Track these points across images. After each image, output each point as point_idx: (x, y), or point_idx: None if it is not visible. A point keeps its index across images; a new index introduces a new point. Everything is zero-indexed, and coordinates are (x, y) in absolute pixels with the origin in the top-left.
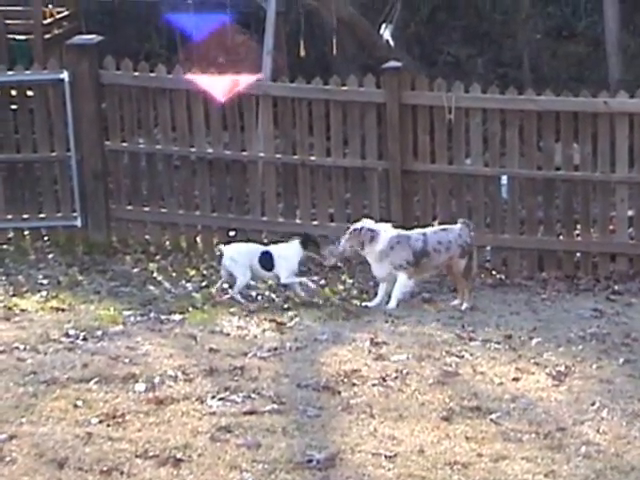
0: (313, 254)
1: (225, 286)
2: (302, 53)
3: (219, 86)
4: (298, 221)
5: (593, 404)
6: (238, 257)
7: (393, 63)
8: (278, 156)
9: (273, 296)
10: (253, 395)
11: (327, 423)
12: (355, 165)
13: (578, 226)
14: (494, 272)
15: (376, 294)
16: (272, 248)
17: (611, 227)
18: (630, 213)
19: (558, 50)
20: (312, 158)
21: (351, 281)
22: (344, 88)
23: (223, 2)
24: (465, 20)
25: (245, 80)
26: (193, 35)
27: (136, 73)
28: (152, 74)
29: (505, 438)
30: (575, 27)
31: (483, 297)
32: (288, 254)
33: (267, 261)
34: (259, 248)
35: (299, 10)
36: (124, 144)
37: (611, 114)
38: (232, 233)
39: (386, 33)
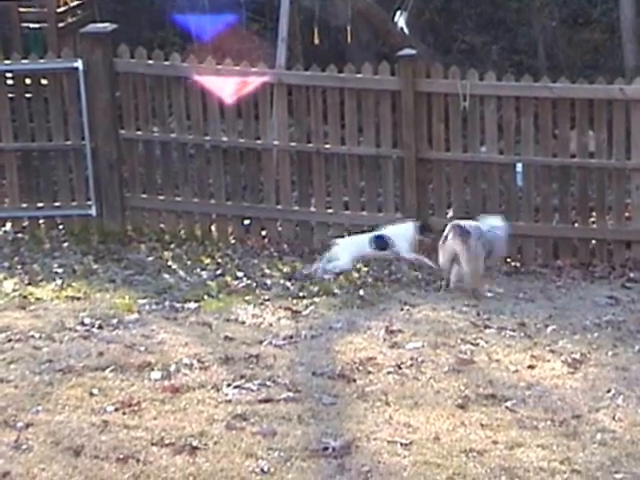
0: (425, 239)
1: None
2: (316, 41)
3: (230, 84)
4: (313, 209)
5: (608, 391)
6: (348, 247)
7: (408, 51)
8: (292, 144)
9: (288, 284)
10: (268, 383)
11: (342, 411)
12: (370, 153)
13: (593, 213)
14: (509, 260)
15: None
16: (386, 230)
17: (626, 214)
18: None
19: (573, 37)
20: (327, 146)
21: (366, 269)
22: (359, 76)
23: None
24: (480, 7)
25: (258, 73)
26: (208, 24)
27: (150, 61)
28: (166, 62)
29: (520, 425)
30: (590, 14)
31: (498, 285)
32: (404, 233)
33: (381, 242)
34: (369, 235)
35: None
36: (139, 133)
37: (627, 101)
38: (247, 222)
39: (400, 21)
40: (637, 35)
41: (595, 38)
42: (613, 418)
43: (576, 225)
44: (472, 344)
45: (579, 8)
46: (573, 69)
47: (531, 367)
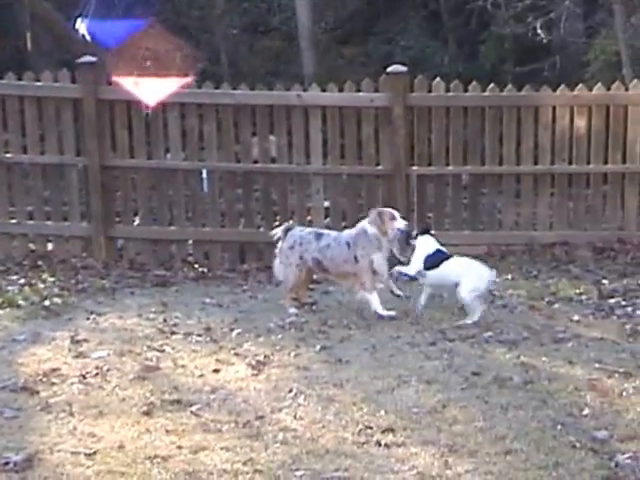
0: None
1: None
2: None
3: None
4: None
5: (290, 391)
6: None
7: (88, 58)
8: None
9: None
10: None
11: (25, 424)
12: (53, 162)
13: (277, 217)
14: (196, 265)
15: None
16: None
17: (308, 217)
18: (326, 204)
19: (255, 45)
20: (8, 155)
21: (52, 279)
22: (38, 84)
23: None
24: (162, 15)
25: None
26: None
27: None
28: None
29: (205, 429)
30: (270, 22)
31: (185, 291)
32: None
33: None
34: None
35: None
36: None
37: (305, 107)
38: None
39: (82, 28)
40: (314, 43)
41: (276, 46)
42: (294, 417)
43: (261, 229)
44: (158, 350)
45: (259, 16)
46: (256, 76)
47: (216, 371)
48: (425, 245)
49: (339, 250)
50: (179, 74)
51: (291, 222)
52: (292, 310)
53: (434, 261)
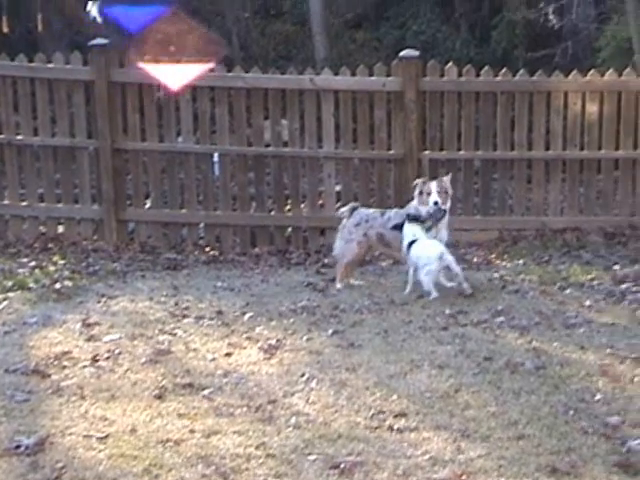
0: None
1: None
2: (5, 29)
3: None
4: (6, 202)
5: (303, 375)
6: None
7: (100, 40)
8: None
9: None
10: None
11: (36, 407)
12: (64, 144)
13: (289, 201)
14: (207, 249)
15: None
16: None
17: (320, 202)
18: (337, 188)
19: (266, 29)
20: (19, 137)
21: (63, 262)
22: (50, 66)
23: None
24: None
25: None
26: None
27: None
28: None
29: (217, 413)
30: (281, 6)
31: (197, 274)
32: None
33: None
34: None
35: None
36: None
37: (317, 91)
38: None
39: (93, 10)
40: (325, 28)
41: (287, 30)
42: (307, 401)
43: (272, 213)
44: (170, 334)
45: (270, 0)
46: (267, 60)
47: (228, 355)
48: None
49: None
50: (202, 60)
51: (357, 203)
52: (339, 285)
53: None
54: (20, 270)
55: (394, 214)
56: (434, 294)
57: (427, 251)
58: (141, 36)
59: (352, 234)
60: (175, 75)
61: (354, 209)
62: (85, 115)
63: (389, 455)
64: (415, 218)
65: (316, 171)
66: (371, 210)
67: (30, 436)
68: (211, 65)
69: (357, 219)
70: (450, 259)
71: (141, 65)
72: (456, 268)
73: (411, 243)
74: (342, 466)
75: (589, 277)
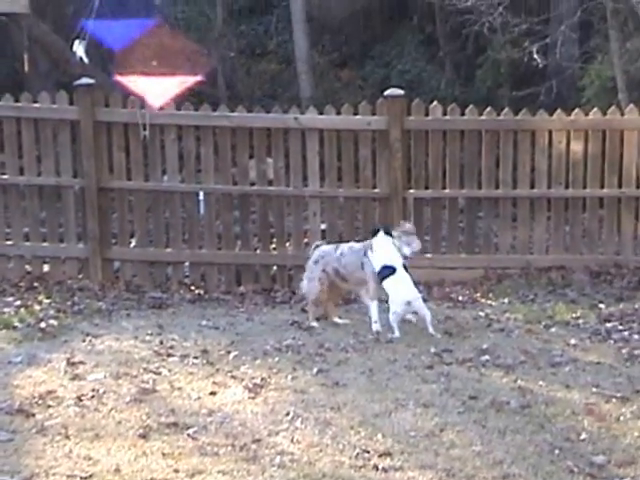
0: None
1: None
2: None
3: None
4: None
5: (287, 414)
6: None
7: (86, 80)
8: None
9: None
10: None
11: (20, 447)
12: (50, 183)
13: (274, 240)
14: (193, 287)
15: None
16: None
17: (305, 240)
18: (323, 226)
19: (252, 68)
20: (4, 176)
21: (48, 301)
22: (36, 105)
23: None
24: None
25: None
26: None
27: None
28: None
29: (202, 452)
30: (267, 45)
31: (182, 313)
32: None
33: None
34: None
35: None
36: None
37: (302, 130)
38: None
39: (79, 50)
40: (311, 66)
41: (272, 69)
42: (292, 440)
43: (258, 252)
44: (155, 373)
45: (256, 39)
46: (252, 98)
47: (213, 394)
48: (384, 248)
49: (352, 257)
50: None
51: (321, 242)
52: (314, 323)
53: (384, 274)
54: (5, 309)
55: (347, 249)
56: (397, 334)
57: (398, 293)
58: (126, 50)
59: (313, 272)
60: (159, 89)
61: (316, 247)
62: (71, 154)
63: None
64: (389, 232)
65: (301, 209)
66: (329, 246)
67: (14, 476)
68: (198, 78)
69: (315, 256)
70: (419, 305)
71: (126, 79)
72: (424, 313)
73: (385, 270)
74: None
75: (574, 316)
